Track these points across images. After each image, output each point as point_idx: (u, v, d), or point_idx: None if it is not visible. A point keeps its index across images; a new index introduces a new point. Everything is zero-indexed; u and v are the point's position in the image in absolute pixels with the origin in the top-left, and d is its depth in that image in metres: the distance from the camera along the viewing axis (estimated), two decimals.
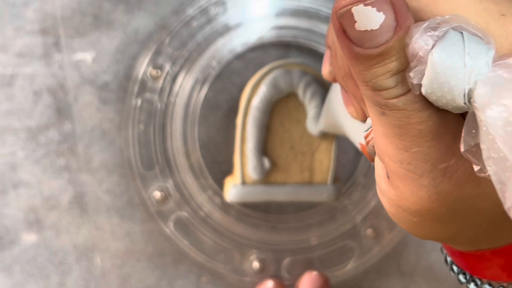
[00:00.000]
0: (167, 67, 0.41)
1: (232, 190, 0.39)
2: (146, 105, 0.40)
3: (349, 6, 0.16)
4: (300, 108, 0.39)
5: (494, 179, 0.15)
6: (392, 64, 0.17)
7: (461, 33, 0.16)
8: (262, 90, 0.38)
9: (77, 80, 0.40)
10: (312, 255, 0.42)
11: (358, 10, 0.16)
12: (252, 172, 0.38)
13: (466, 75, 0.16)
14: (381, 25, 0.16)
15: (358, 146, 0.27)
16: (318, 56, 0.41)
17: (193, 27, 0.41)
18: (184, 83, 0.41)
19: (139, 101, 0.40)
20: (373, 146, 0.22)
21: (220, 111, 0.41)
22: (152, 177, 0.41)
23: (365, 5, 0.16)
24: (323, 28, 0.41)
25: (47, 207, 0.41)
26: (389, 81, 0.17)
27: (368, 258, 0.42)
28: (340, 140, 0.40)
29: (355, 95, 0.23)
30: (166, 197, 0.41)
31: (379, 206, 0.41)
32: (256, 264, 0.42)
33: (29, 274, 0.40)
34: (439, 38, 0.16)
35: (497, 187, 0.15)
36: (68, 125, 0.40)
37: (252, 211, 0.41)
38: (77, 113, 0.40)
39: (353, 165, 0.42)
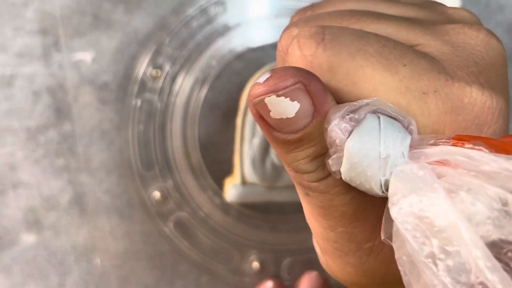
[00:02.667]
0: (167, 67, 0.41)
1: (232, 190, 0.39)
2: (146, 105, 0.40)
3: (262, 97, 0.16)
4: None
5: (404, 279, 0.15)
6: (311, 150, 0.16)
7: (379, 118, 0.16)
8: None
9: (76, 80, 0.40)
10: (312, 256, 0.42)
11: (272, 101, 0.16)
12: (252, 173, 0.38)
13: (382, 166, 0.15)
14: (296, 113, 0.16)
15: None
16: None
17: (193, 27, 0.41)
18: (184, 83, 0.41)
19: (138, 101, 0.40)
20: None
21: (220, 111, 0.41)
22: (152, 177, 0.41)
23: (278, 95, 0.15)
24: None
25: (47, 208, 0.40)
26: (309, 166, 0.17)
27: None
28: None
29: None
30: (165, 198, 0.41)
31: None
32: (256, 264, 0.42)
33: (29, 275, 0.40)
34: (356, 125, 0.16)
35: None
36: (68, 125, 0.40)
37: (252, 211, 0.41)
38: (77, 113, 0.40)
39: None
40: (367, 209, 0.17)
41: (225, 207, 0.41)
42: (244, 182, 0.39)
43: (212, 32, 0.41)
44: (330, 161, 0.16)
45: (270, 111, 0.16)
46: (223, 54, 0.41)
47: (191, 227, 0.41)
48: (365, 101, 0.16)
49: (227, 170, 0.41)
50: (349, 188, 0.17)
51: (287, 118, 0.16)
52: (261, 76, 0.16)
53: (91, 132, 0.40)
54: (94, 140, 0.40)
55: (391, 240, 0.15)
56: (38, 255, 0.40)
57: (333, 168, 0.16)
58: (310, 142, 0.16)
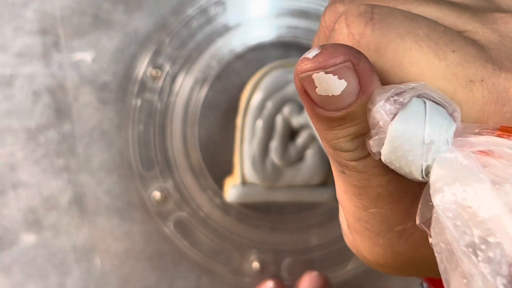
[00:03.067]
0: (167, 67, 0.41)
1: (232, 190, 0.39)
2: (146, 105, 0.40)
3: (310, 72, 0.16)
4: None
5: (440, 267, 0.15)
6: (353, 129, 0.16)
7: (424, 103, 0.16)
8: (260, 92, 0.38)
9: (76, 80, 0.40)
10: (312, 256, 0.42)
11: (319, 77, 0.16)
12: (252, 173, 0.38)
13: (424, 152, 0.15)
14: (342, 92, 0.16)
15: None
16: None
17: (193, 27, 0.41)
18: (184, 83, 0.41)
19: (138, 101, 0.40)
20: None
21: (220, 111, 0.41)
22: (152, 178, 0.41)
23: (326, 72, 0.15)
24: None
25: (47, 208, 0.40)
26: (349, 144, 0.17)
27: None
28: None
29: None
30: (166, 198, 0.41)
31: None
32: (256, 265, 0.42)
33: (29, 275, 0.40)
34: (401, 108, 0.16)
35: (443, 276, 0.15)
36: (68, 125, 0.40)
37: (252, 211, 0.41)
38: (77, 113, 0.40)
39: None
40: (402, 192, 0.17)
41: (225, 207, 0.41)
42: (244, 182, 0.39)
43: (212, 32, 0.41)
44: (371, 142, 0.16)
45: (316, 87, 0.16)
46: (223, 54, 0.41)
47: (191, 227, 0.41)
48: (411, 84, 0.16)
49: (227, 170, 0.41)
50: (387, 170, 0.17)
51: (332, 95, 0.16)
52: (310, 51, 0.16)
53: (91, 132, 0.40)
54: (94, 140, 0.40)
55: (426, 225, 0.15)
56: (38, 255, 0.40)
57: (374, 149, 0.16)
58: (352, 121, 0.16)
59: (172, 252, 0.41)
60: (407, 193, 0.18)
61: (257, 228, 0.41)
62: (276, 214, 0.42)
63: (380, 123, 0.16)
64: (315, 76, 0.16)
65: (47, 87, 0.40)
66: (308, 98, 0.16)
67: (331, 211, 0.41)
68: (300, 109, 0.39)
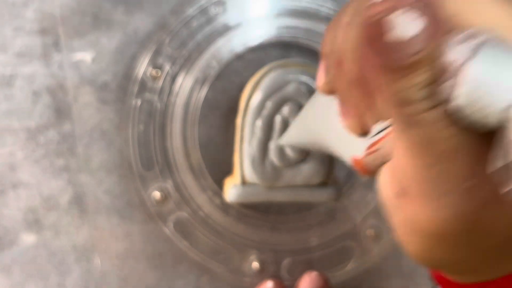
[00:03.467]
0: (167, 67, 0.41)
1: (232, 190, 0.39)
2: (146, 105, 0.40)
3: (383, 13, 0.15)
4: None
5: None
6: (424, 75, 0.16)
7: (500, 46, 0.15)
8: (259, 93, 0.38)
9: (76, 80, 0.40)
10: (312, 256, 0.42)
11: (393, 19, 0.15)
12: (251, 173, 0.38)
13: (504, 92, 0.15)
14: (415, 35, 0.15)
15: (349, 160, 0.26)
16: (318, 56, 0.41)
17: (193, 27, 0.41)
18: (184, 83, 0.41)
19: (138, 101, 0.40)
20: (375, 159, 0.22)
21: (220, 111, 0.41)
22: (152, 178, 0.41)
23: (401, 13, 0.15)
24: (323, 27, 0.41)
25: (47, 208, 0.41)
26: (420, 93, 0.16)
27: (368, 258, 0.42)
28: None
29: (359, 105, 0.22)
30: (165, 198, 0.41)
31: (379, 207, 0.41)
32: (255, 264, 0.42)
33: (29, 275, 0.40)
34: (476, 50, 0.15)
35: None
36: (68, 125, 0.40)
37: (252, 211, 0.41)
38: (77, 113, 0.40)
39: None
40: (469, 146, 0.17)
41: (225, 207, 0.41)
42: (244, 182, 0.39)
43: (212, 32, 0.41)
44: (444, 86, 0.16)
45: (388, 30, 0.15)
46: (223, 54, 0.41)
47: (191, 227, 0.41)
48: (482, 28, 0.16)
49: (227, 170, 0.41)
50: (455, 121, 0.16)
51: (404, 40, 0.15)
52: None
53: (91, 132, 0.40)
54: (94, 140, 0.40)
55: (497, 174, 0.15)
56: (38, 255, 0.40)
57: (447, 95, 0.16)
58: (424, 67, 0.16)
59: (172, 252, 0.41)
60: (472, 148, 0.17)
61: (257, 228, 0.41)
62: (276, 214, 0.42)
63: (456, 65, 0.15)
64: (389, 17, 0.15)
65: (47, 87, 0.40)
66: (376, 46, 0.16)
67: (331, 211, 0.42)
68: (299, 109, 0.39)
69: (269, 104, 0.38)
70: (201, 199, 0.41)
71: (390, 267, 0.41)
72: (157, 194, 0.41)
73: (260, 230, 0.42)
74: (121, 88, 0.41)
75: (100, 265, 0.41)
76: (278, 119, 0.39)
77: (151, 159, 0.41)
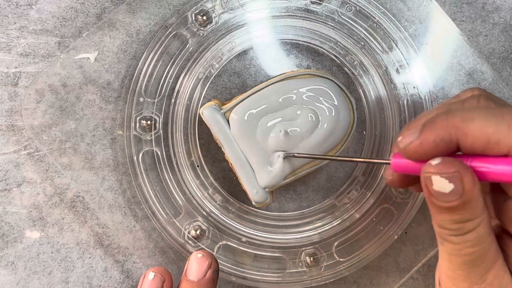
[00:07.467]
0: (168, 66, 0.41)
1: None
2: (148, 105, 0.41)
3: (430, 174, 0.25)
4: None
5: None
6: (456, 217, 0.25)
7: None
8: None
9: (79, 79, 0.41)
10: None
11: (436, 179, 0.25)
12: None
13: None
14: (450, 191, 0.24)
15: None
16: (318, 56, 0.42)
17: (194, 27, 0.41)
18: (184, 83, 0.41)
19: (141, 100, 0.41)
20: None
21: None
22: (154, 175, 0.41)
23: (441, 176, 0.24)
24: (322, 28, 0.41)
25: (50, 205, 0.41)
26: (451, 226, 0.25)
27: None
28: None
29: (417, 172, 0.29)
30: None
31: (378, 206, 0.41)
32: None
33: (33, 271, 0.40)
34: None
35: None
36: (71, 124, 0.40)
37: (252, 209, 0.41)
38: (80, 112, 0.41)
39: (352, 163, 0.42)
40: (480, 261, 0.26)
41: (225, 205, 0.41)
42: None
43: (212, 32, 0.41)
44: (465, 224, 0.26)
45: (433, 184, 0.25)
46: (223, 54, 0.41)
47: None
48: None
49: (227, 170, 0.41)
50: (476, 244, 0.25)
51: (443, 192, 0.24)
52: (434, 160, 0.25)
53: (94, 130, 0.41)
54: (97, 138, 0.41)
55: None
56: (42, 252, 0.40)
57: (468, 230, 0.26)
58: (456, 212, 0.25)
59: (174, 248, 0.41)
60: (483, 262, 0.26)
61: (257, 226, 0.41)
62: (276, 213, 0.42)
63: None
64: (433, 177, 0.25)
65: (50, 86, 0.40)
66: (427, 190, 0.25)
67: (331, 209, 0.42)
68: None
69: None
70: (202, 197, 0.41)
71: (388, 263, 0.42)
72: None
73: (260, 229, 0.42)
74: (123, 87, 0.41)
75: (103, 261, 0.41)
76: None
77: (153, 157, 0.41)
